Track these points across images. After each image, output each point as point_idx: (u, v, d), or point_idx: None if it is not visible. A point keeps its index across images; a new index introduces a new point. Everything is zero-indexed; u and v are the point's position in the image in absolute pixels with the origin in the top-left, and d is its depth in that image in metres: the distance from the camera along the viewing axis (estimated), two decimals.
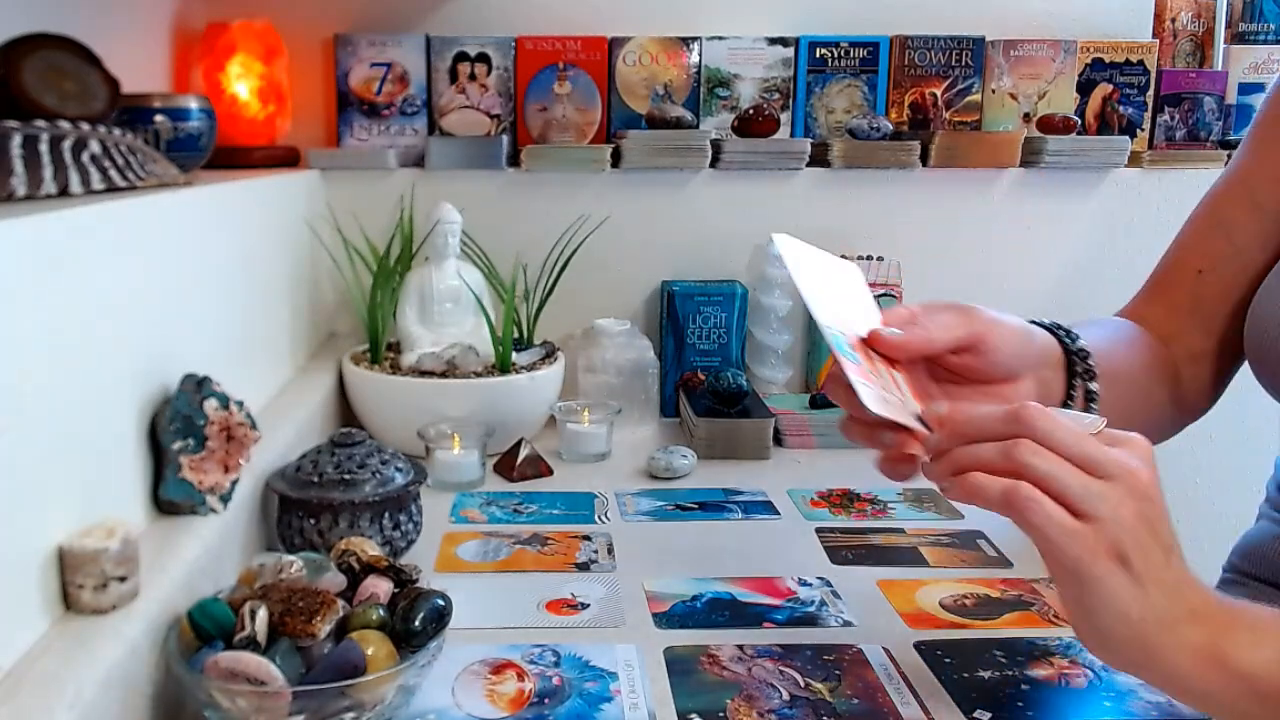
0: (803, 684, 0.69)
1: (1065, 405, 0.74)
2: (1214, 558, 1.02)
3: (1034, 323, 0.77)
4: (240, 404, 0.77)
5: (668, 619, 0.78)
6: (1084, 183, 1.41)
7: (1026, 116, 1.44)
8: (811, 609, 0.80)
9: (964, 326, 0.67)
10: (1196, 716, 0.65)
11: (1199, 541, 1.57)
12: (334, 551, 0.71)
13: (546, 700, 0.66)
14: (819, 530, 0.96)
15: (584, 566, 0.88)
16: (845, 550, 0.92)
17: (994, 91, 1.44)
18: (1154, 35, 1.48)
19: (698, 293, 1.31)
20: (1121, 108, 1.45)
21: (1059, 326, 0.77)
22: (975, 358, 0.68)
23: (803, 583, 0.85)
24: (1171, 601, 0.55)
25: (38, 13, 0.86)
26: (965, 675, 0.70)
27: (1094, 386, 0.75)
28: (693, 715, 0.65)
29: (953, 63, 1.42)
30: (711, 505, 1.02)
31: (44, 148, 0.69)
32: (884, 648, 0.74)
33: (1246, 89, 1.49)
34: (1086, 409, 0.73)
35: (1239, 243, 0.88)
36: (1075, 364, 0.75)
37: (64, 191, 0.70)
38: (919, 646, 0.74)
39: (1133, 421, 0.77)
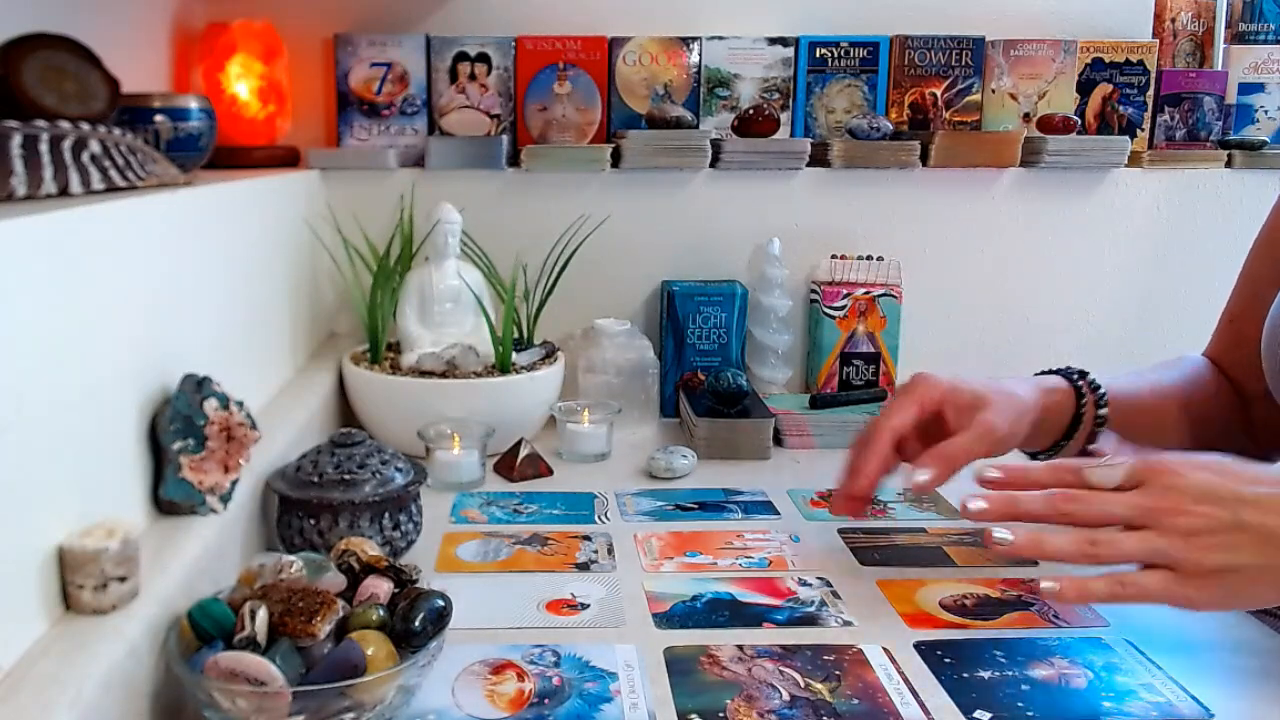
0: (803, 684, 0.69)
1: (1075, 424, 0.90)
2: None
3: (1051, 371, 0.93)
4: (240, 404, 0.77)
5: (668, 619, 0.78)
6: (1084, 183, 1.41)
7: (1026, 116, 1.44)
8: (811, 609, 0.80)
9: (914, 407, 0.84)
10: (1199, 717, 0.65)
11: None
12: (334, 551, 0.71)
13: (546, 700, 0.66)
14: (840, 531, 0.96)
15: (584, 566, 0.88)
16: (872, 551, 0.91)
17: (994, 91, 1.44)
18: (1154, 35, 1.48)
19: (698, 293, 1.31)
20: (1121, 108, 1.45)
21: (1071, 372, 0.92)
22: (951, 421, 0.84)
23: (803, 583, 0.85)
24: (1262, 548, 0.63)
25: (38, 13, 0.86)
26: (965, 675, 0.70)
27: (1103, 412, 0.89)
28: (693, 715, 0.65)
29: (953, 63, 1.42)
30: (711, 505, 1.02)
31: (44, 148, 0.69)
32: (884, 648, 0.74)
33: (1246, 89, 1.49)
34: (1094, 432, 0.89)
35: (1257, 289, 0.95)
36: (1083, 397, 0.89)
37: (64, 191, 0.70)
38: (919, 646, 0.74)
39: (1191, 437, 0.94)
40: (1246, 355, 0.95)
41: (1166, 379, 0.98)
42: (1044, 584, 0.67)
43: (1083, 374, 0.92)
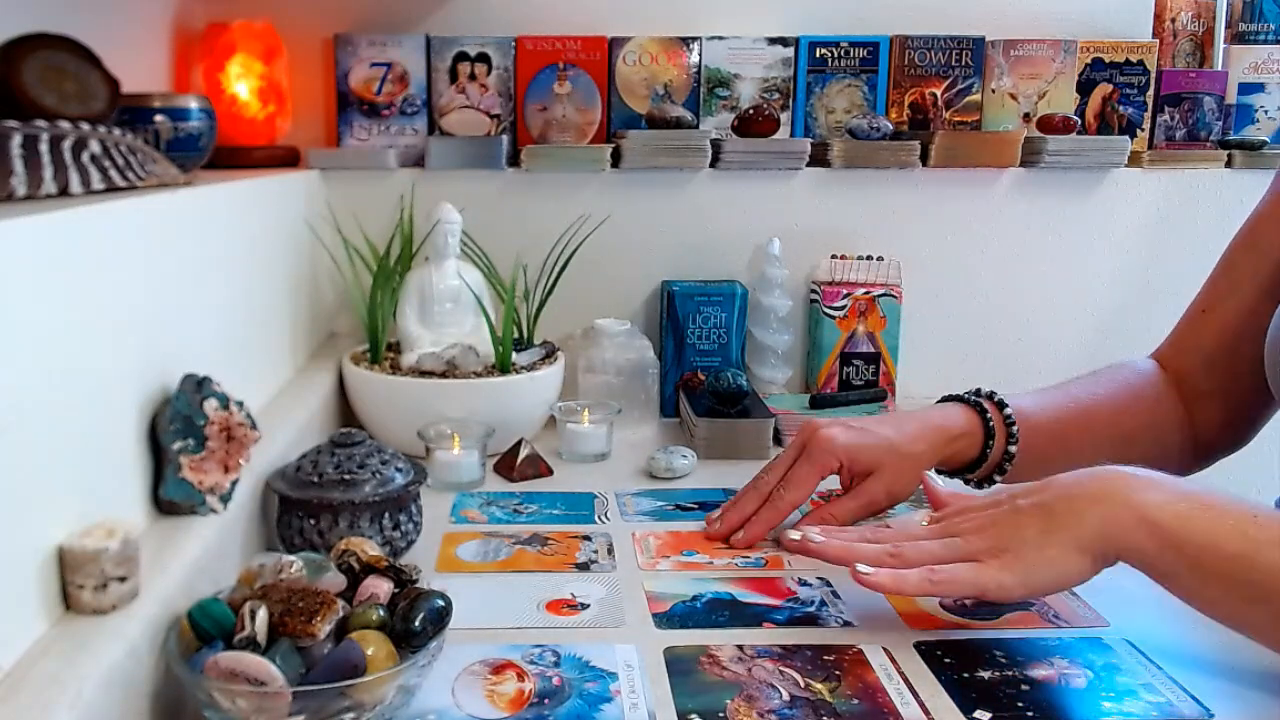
0: (803, 684, 0.69)
1: (983, 455, 0.93)
2: None
3: (974, 401, 0.94)
4: (240, 404, 0.77)
5: (668, 619, 0.78)
6: (1084, 183, 1.41)
7: (1026, 116, 1.44)
8: (811, 609, 0.80)
9: (814, 480, 0.90)
10: (1199, 717, 0.65)
11: None
12: (334, 551, 0.71)
13: (546, 700, 0.66)
14: None
15: (584, 566, 0.88)
16: None
17: (994, 91, 1.44)
18: (1154, 35, 1.48)
19: (698, 293, 1.31)
20: (1121, 107, 1.45)
21: (976, 398, 0.94)
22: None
23: (803, 583, 0.85)
24: (1059, 515, 0.70)
25: (38, 13, 0.86)
26: (965, 675, 0.70)
27: (1012, 449, 0.92)
28: (693, 715, 0.65)
29: (953, 63, 1.42)
30: (711, 505, 1.02)
31: (44, 148, 0.69)
32: (884, 648, 0.74)
33: (1246, 89, 1.49)
34: (1001, 464, 0.93)
35: (1236, 282, 0.95)
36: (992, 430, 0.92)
37: (64, 191, 0.70)
38: (919, 646, 0.74)
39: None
40: (1209, 349, 0.95)
41: (1097, 392, 0.98)
42: (860, 567, 0.73)
43: (1001, 405, 0.93)
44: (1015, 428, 0.91)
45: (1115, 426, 0.96)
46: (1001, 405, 0.92)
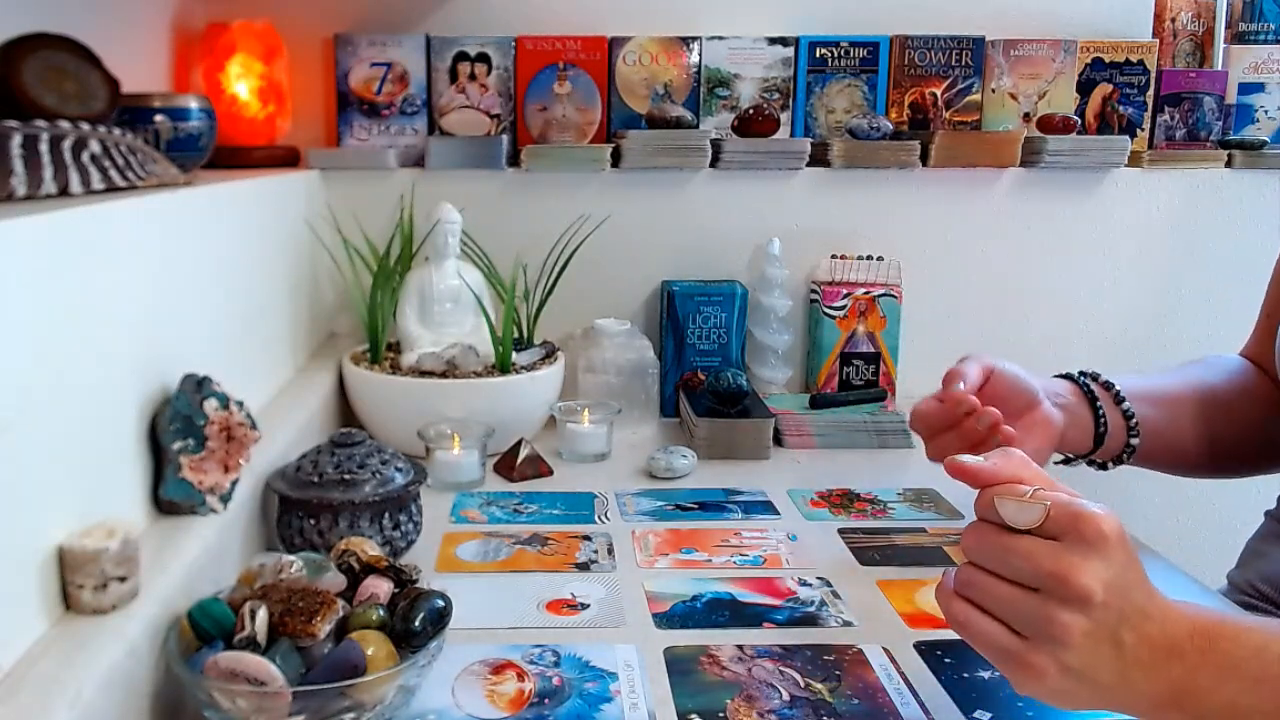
0: (803, 684, 0.69)
1: (1099, 427, 0.88)
2: (1215, 559, 1.02)
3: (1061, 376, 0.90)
4: (240, 404, 0.77)
5: (668, 619, 0.78)
6: (1084, 183, 1.41)
7: (1026, 116, 1.44)
8: (811, 609, 0.80)
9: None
10: None
11: (1200, 544, 1.56)
12: (334, 551, 0.71)
13: (546, 700, 0.67)
14: (840, 531, 0.96)
15: (584, 566, 0.88)
16: (872, 551, 0.91)
17: (994, 91, 1.44)
18: (1154, 35, 1.48)
19: (698, 293, 1.31)
20: (1121, 107, 1.45)
21: (1080, 373, 0.90)
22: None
23: (803, 583, 0.85)
24: (1125, 673, 0.53)
25: (38, 13, 0.86)
26: (965, 675, 0.70)
27: (1128, 407, 0.88)
28: (693, 715, 0.65)
29: (953, 62, 1.42)
30: (711, 505, 1.02)
31: (44, 148, 0.69)
32: (884, 648, 0.74)
33: (1246, 89, 1.49)
34: (1127, 425, 0.88)
35: None
36: (1096, 396, 0.88)
37: (64, 191, 0.70)
38: (919, 646, 0.74)
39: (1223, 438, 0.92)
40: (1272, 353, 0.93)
41: (1181, 375, 0.95)
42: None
43: (1094, 377, 0.89)
44: (1119, 390, 0.88)
45: (1209, 406, 0.92)
46: (1096, 376, 0.89)
